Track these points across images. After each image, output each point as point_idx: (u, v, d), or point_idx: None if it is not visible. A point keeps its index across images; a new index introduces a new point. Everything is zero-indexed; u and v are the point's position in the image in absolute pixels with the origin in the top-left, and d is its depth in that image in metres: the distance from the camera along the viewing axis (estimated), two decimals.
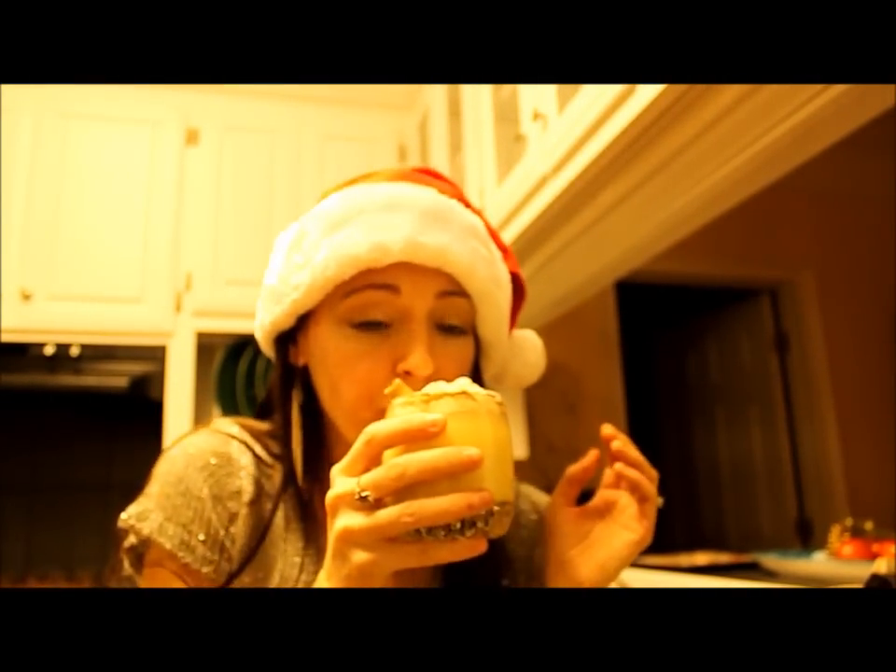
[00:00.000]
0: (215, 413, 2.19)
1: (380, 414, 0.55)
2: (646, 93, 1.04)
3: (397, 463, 0.43)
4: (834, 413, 2.94)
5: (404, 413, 0.46)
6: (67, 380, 1.97)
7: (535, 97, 1.43)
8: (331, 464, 0.64)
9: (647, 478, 0.62)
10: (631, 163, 1.24)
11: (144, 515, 0.58)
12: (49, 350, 1.95)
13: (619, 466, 0.63)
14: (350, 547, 0.44)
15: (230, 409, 2.15)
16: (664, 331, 3.85)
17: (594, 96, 1.18)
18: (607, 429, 0.65)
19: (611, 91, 1.12)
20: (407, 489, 0.43)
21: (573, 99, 1.27)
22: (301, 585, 0.59)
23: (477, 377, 0.65)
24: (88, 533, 2.18)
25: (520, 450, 2.30)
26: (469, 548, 0.43)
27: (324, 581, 0.47)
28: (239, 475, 0.61)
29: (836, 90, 0.92)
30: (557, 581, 0.62)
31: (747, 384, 3.24)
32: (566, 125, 1.28)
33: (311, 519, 0.62)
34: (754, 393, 3.19)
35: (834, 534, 1.25)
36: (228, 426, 0.64)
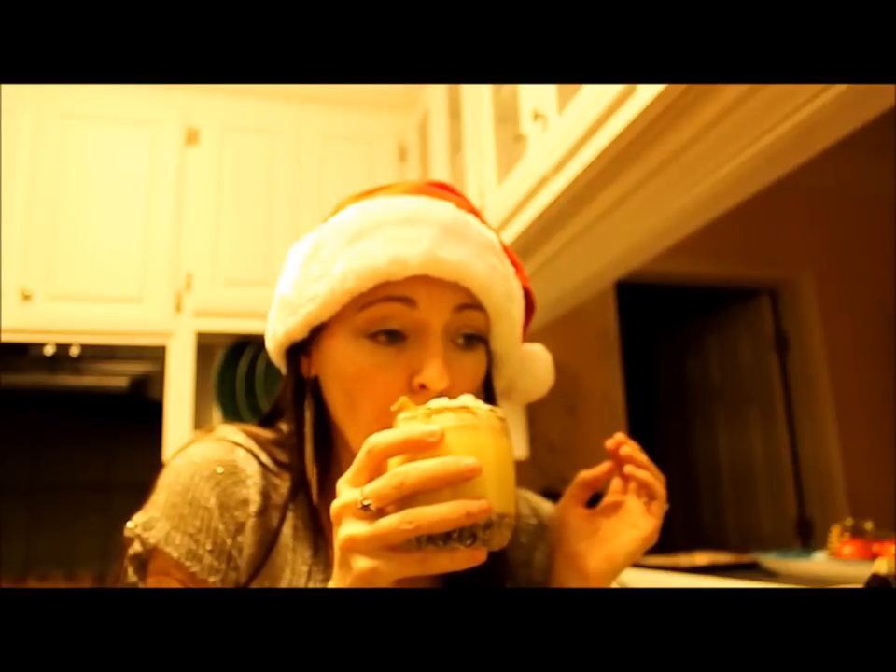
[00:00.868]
0: (215, 414, 2.19)
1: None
2: (646, 93, 1.04)
3: (397, 472, 0.44)
4: (834, 413, 2.94)
5: (406, 425, 0.47)
6: (67, 380, 1.97)
7: (535, 97, 1.43)
8: (340, 475, 0.65)
9: (656, 479, 0.65)
10: (631, 163, 1.24)
11: (150, 524, 0.58)
12: (49, 350, 1.95)
13: (629, 468, 0.66)
14: (353, 555, 0.44)
15: (230, 409, 2.15)
16: (664, 331, 3.85)
17: (594, 96, 1.18)
18: (618, 436, 0.67)
19: (611, 90, 1.12)
20: (409, 499, 0.44)
21: (573, 99, 1.27)
22: None
23: (489, 391, 0.66)
24: (88, 533, 2.19)
25: (520, 450, 2.30)
26: (469, 558, 0.44)
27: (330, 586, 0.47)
28: (246, 484, 0.61)
29: (836, 90, 0.92)
30: (565, 573, 0.64)
31: (747, 384, 3.24)
32: (566, 125, 1.28)
33: (319, 529, 0.62)
34: (754, 393, 3.19)
35: (834, 534, 1.25)
36: (233, 433, 0.64)
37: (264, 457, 0.63)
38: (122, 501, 2.23)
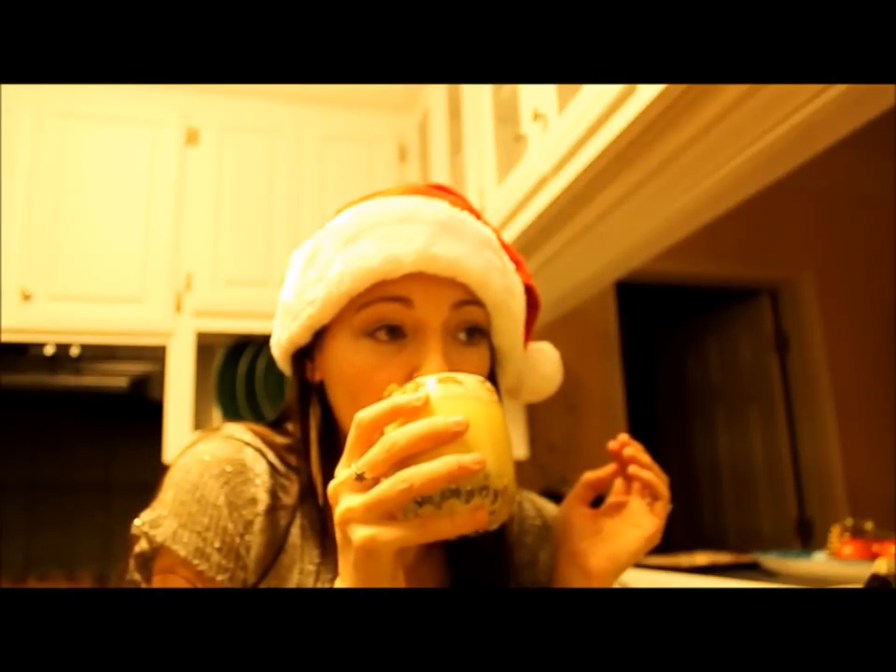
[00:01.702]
0: (215, 414, 2.19)
1: None
2: (646, 93, 1.04)
3: (386, 438, 0.44)
4: (834, 413, 2.94)
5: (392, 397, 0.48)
6: (67, 380, 1.97)
7: (535, 97, 1.43)
8: None
9: (659, 479, 0.65)
10: (631, 163, 1.24)
11: (157, 522, 0.58)
12: (49, 350, 1.95)
13: (633, 468, 0.66)
14: (351, 526, 0.44)
15: (230, 409, 2.15)
16: (664, 331, 3.85)
17: (594, 96, 1.18)
18: (621, 437, 0.68)
19: (611, 90, 1.12)
20: (400, 464, 0.44)
21: (573, 99, 1.27)
22: None
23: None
24: (88, 533, 2.18)
25: (520, 450, 2.30)
26: (470, 521, 0.44)
27: (338, 582, 0.47)
28: (254, 483, 0.61)
29: (836, 90, 0.92)
30: (568, 571, 0.64)
31: (747, 384, 3.24)
32: (566, 125, 1.28)
33: (326, 532, 0.62)
34: (754, 393, 3.19)
35: (834, 534, 1.25)
36: (241, 432, 0.64)
37: (272, 457, 0.63)
38: (122, 501, 2.24)
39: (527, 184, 1.46)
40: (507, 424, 0.48)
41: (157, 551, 0.59)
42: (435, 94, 2.06)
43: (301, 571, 0.60)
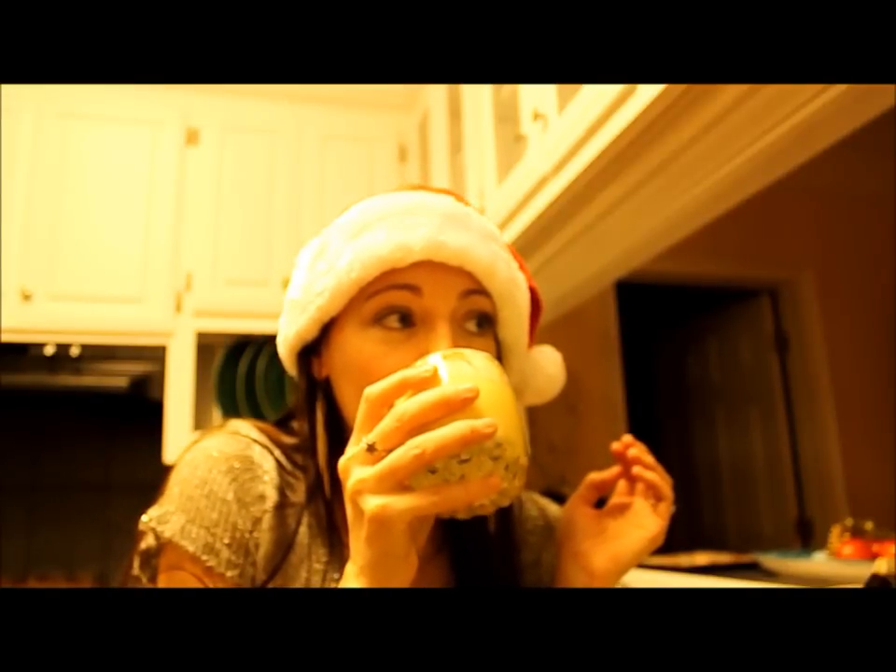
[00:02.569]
0: (215, 414, 2.19)
1: None
2: (646, 93, 1.04)
3: (397, 408, 0.44)
4: (834, 413, 2.93)
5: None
6: (67, 380, 1.97)
7: (535, 97, 1.43)
8: None
9: (663, 480, 0.66)
10: (631, 163, 1.24)
11: (165, 518, 0.58)
12: (49, 350, 1.95)
13: (637, 469, 0.66)
14: (363, 497, 0.44)
15: (230, 409, 2.15)
16: (664, 331, 3.85)
17: (594, 96, 1.18)
18: (625, 438, 0.68)
19: (611, 90, 1.12)
20: (411, 433, 0.43)
21: (573, 99, 1.27)
22: None
23: None
24: (88, 533, 2.18)
25: None
26: (484, 488, 0.44)
27: (349, 564, 0.47)
28: (262, 480, 0.61)
29: (836, 90, 0.92)
30: (571, 571, 0.64)
31: (747, 384, 3.24)
32: (566, 125, 1.28)
33: (334, 528, 0.62)
34: (754, 393, 3.19)
35: (834, 534, 1.25)
36: (247, 428, 0.64)
37: (278, 454, 0.64)
38: (122, 501, 2.24)
39: (527, 184, 1.46)
40: (514, 394, 0.48)
41: (163, 547, 0.58)
42: (435, 94, 2.06)
43: (309, 570, 0.60)
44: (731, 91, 1.01)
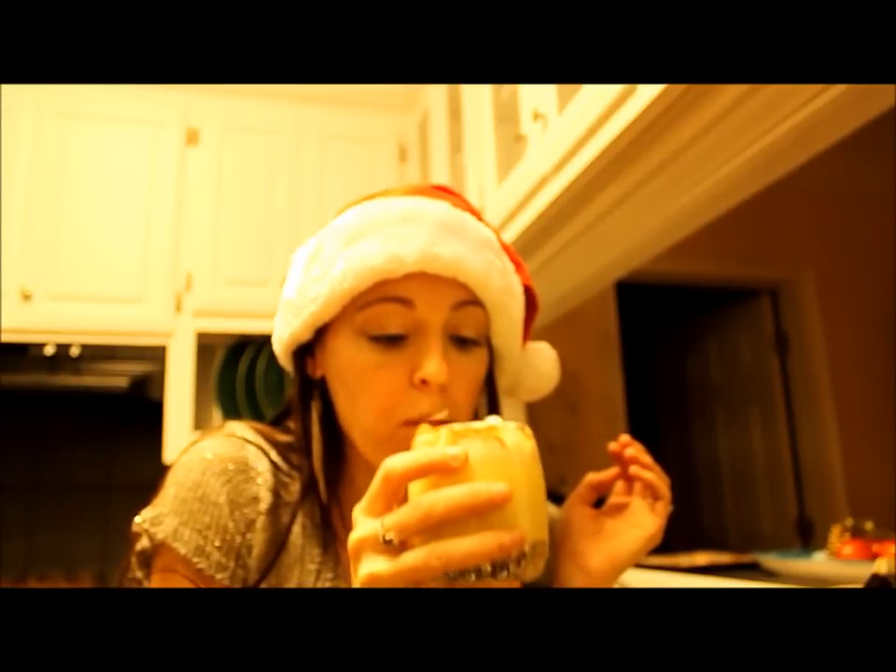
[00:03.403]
0: (215, 414, 2.19)
1: (396, 427, 0.57)
2: (646, 93, 1.04)
3: (422, 501, 0.41)
4: (834, 413, 2.93)
5: (426, 448, 0.44)
6: (67, 380, 1.97)
7: (535, 97, 1.43)
8: (350, 475, 0.65)
9: (661, 480, 0.66)
10: (631, 163, 1.24)
11: (158, 520, 0.58)
12: (49, 350, 1.95)
13: (635, 468, 0.67)
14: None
15: (230, 409, 2.15)
16: (664, 331, 3.85)
17: (594, 96, 1.18)
18: (623, 438, 0.68)
19: (611, 90, 1.12)
20: (433, 529, 0.41)
21: (573, 99, 1.27)
22: None
23: (491, 389, 0.66)
24: (88, 533, 2.18)
25: None
26: (504, 584, 0.42)
27: None
28: (256, 481, 0.61)
29: (836, 90, 0.92)
30: (568, 570, 0.64)
31: (747, 384, 3.24)
32: (566, 125, 1.28)
33: (329, 527, 0.62)
34: (754, 393, 3.19)
35: (835, 534, 1.25)
36: (243, 430, 0.64)
37: (274, 455, 0.64)
38: (122, 501, 2.23)
39: (527, 184, 1.46)
40: (542, 473, 0.45)
41: (157, 548, 0.59)
42: (435, 94, 2.06)
43: (302, 571, 0.60)
44: (731, 91, 1.01)
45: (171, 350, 2.03)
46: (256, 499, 0.60)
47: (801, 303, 3.07)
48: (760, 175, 1.18)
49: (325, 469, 0.63)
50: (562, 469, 2.54)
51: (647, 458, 0.67)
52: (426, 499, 0.41)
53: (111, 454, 2.30)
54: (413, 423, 0.57)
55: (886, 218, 2.91)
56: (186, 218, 2.12)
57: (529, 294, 0.69)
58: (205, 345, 2.17)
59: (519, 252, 1.63)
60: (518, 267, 0.67)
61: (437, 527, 0.41)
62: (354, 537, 0.43)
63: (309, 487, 0.62)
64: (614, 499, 0.68)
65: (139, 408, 2.07)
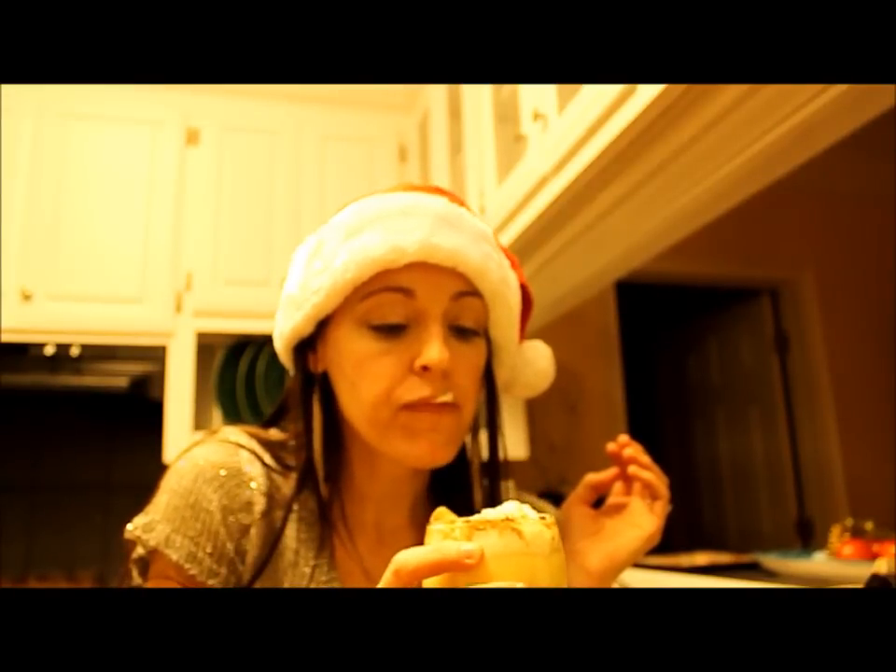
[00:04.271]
0: (215, 414, 2.19)
1: (396, 411, 0.57)
2: (646, 93, 1.04)
3: None
4: (834, 413, 2.93)
5: (439, 540, 0.42)
6: (67, 380, 1.97)
7: (535, 97, 1.43)
8: (349, 471, 0.65)
9: (659, 480, 0.66)
10: (631, 163, 1.24)
11: (150, 526, 0.58)
12: (49, 350, 1.95)
13: (633, 468, 0.67)
14: None
15: (230, 409, 2.15)
16: (664, 331, 3.85)
17: (594, 96, 1.18)
18: (621, 438, 0.69)
19: (611, 90, 1.12)
20: None
21: (573, 99, 1.27)
22: None
23: (490, 382, 0.67)
24: (88, 533, 2.18)
25: (520, 450, 2.30)
26: None
27: None
28: (250, 486, 0.61)
29: (836, 90, 0.92)
30: (567, 570, 0.63)
31: (747, 384, 3.24)
32: (566, 125, 1.28)
33: (327, 523, 0.62)
34: (754, 393, 3.19)
35: (835, 534, 1.25)
36: (236, 435, 0.65)
37: (268, 458, 0.64)
38: (122, 501, 2.24)
39: (527, 184, 1.46)
40: (564, 564, 0.44)
41: (152, 555, 0.59)
42: (435, 94, 2.06)
43: (295, 574, 0.61)
44: (731, 91, 1.01)
45: (171, 350, 2.03)
46: (250, 504, 0.60)
47: (801, 303, 3.07)
48: (760, 174, 1.18)
49: (325, 462, 0.63)
50: (562, 469, 2.55)
51: (645, 458, 0.67)
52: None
53: (111, 454, 2.30)
54: (414, 406, 0.58)
55: (886, 218, 2.91)
56: (186, 218, 2.12)
57: (524, 292, 0.69)
58: (205, 345, 2.17)
59: (519, 252, 1.63)
60: (513, 264, 0.68)
61: None
62: None
63: (305, 480, 0.63)
64: (613, 499, 0.69)
65: (139, 408, 2.07)
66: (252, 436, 0.65)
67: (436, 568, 0.41)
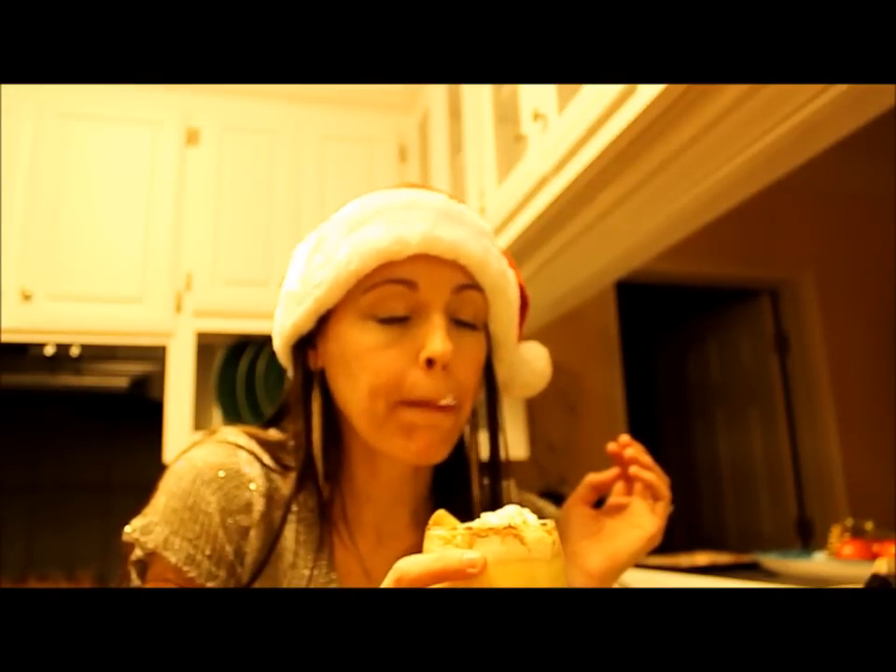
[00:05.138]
0: (215, 414, 2.19)
1: (395, 406, 0.57)
2: (646, 93, 1.04)
3: None
4: (834, 413, 2.93)
5: (439, 546, 0.42)
6: (67, 380, 1.97)
7: (535, 97, 1.43)
8: (349, 469, 0.65)
9: (660, 480, 0.66)
10: (631, 163, 1.24)
11: (148, 529, 0.58)
12: (49, 350, 1.95)
13: (634, 469, 0.67)
14: None
15: (230, 409, 2.15)
16: (664, 331, 3.85)
17: (594, 96, 1.18)
18: (622, 438, 0.69)
19: (611, 90, 1.12)
20: None
21: (573, 99, 1.26)
22: None
23: (490, 378, 0.67)
24: (88, 533, 2.19)
25: (520, 450, 2.30)
26: None
27: None
28: (249, 487, 0.61)
29: (836, 90, 0.92)
30: (568, 570, 0.64)
31: (747, 384, 3.24)
32: (566, 125, 1.28)
33: (326, 521, 0.62)
34: (754, 393, 3.19)
35: (835, 534, 1.25)
36: (235, 435, 0.64)
37: (267, 459, 0.64)
38: (122, 502, 2.23)
39: (527, 184, 1.46)
40: (564, 570, 0.44)
41: (150, 557, 0.59)
42: (435, 94, 2.06)
43: (294, 576, 0.61)
44: (731, 91, 1.01)
45: (171, 350, 2.03)
46: (249, 505, 0.60)
47: (801, 303, 3.07)
48: (760, 174, 1.17)
49: (324, 459, 0.63)
50: (562, 468, 2.55)
51: (647, 458, 0.67)
52: None
53: (111, 454, 2.30)
54: (413, 404, 0.58)
55: (886, 218, 2.91)
56: (186, 218, 2.11)
57: (521, 293, 0.70)
58: (205, 345, 2.17)
59: (519, 252, 1.64)
60: (510, 265, 0.68)
61: None
62: None
63: (305, 479, 0.62)
64: (614, 499, 0.69)
65: (139, 408, 2.07)
66: (251, 436, 0.65)
67: (439, 577, 0.40)
